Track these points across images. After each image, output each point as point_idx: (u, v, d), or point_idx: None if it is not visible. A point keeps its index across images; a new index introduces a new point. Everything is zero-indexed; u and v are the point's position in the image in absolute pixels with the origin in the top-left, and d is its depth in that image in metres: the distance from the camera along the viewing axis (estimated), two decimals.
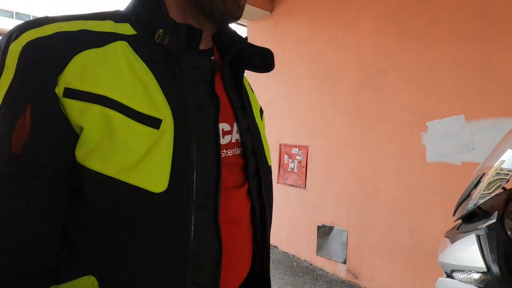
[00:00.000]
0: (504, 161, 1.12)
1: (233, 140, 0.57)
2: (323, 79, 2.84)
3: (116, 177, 0.43)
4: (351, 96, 2.63)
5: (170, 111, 0.46)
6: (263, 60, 0.61)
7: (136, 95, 0.44)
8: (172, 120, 0.46)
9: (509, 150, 1.15)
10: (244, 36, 0.62)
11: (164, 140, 0.45)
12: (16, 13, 32.68)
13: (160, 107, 0.45)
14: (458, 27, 2.04)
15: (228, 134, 0.56)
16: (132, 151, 0.43)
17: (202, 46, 0.56)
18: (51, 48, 0.42)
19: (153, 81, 0.46)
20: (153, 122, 0.44)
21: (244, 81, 0.65)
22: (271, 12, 3.24)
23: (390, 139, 2.39)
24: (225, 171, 0.54)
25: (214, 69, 0.54)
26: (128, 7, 0.52)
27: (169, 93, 0.47)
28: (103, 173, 0.43)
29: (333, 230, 2.76)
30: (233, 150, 0.57)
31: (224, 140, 0.55)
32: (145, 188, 0.43)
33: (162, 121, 0.45)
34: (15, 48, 0.41)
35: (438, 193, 2.14)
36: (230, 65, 0.62)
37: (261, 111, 0.72)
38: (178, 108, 0.47)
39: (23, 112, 0.40)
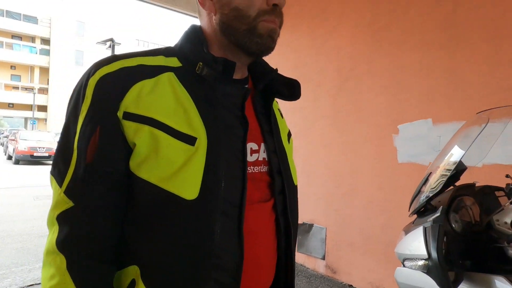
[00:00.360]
0: (450, 159, 1.25)
1: (260, 158, 0.64)
2: (304, 83, 2.95)
3: (157, 185, 0.52)
4: (330, 99, 2.76)
5: (205, 131, 0.55)
6: (290, 90, 0.69)
7: (177, 117, 0.54)
8: (206, 138, 0.54)
9: (456, 146, 1.28)
10: (274, 68, 0.69)
11: (197, 155, 0.53)
12: (6, 11, 32.32)
13: (196, 128, 0.54)
14: (426, 37, 2.18)
15: (256, 152, 0.63)
16: (171, 163, 0.52)
17: (238, 76, 0.64)
18: (115, 81, 0.54)
19: (192, 106, 0.56)
20: (190, 140, 0.53)
21: (274, 107, 0.72)
22: None
23: (366, 140, 2.53)
24: (251, 185, 0.60)
25: (245, 96, 0.63)
26: (176, 44, 0.64)
27: (205, 116, 0.56)
28: (148, 181, 0.52)
29: (313, 227, 2.89)
30: (259, 167, 0.63)
31: (251, 158, 0.62)
32: (179, 195, 0.52)
33: (197, 139, 0.54)
34: (92, 83, 0.53)
35: (409, 191, 2.27)
36: (262, 93, 0.69)
37: (289, 135, 0.78)
38: (212, 129, 0.55)
39: (95, 132, 0.52)
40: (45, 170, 11.00)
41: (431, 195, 1.29)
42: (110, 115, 0.52)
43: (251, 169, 0.61)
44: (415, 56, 2.24)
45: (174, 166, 0.52)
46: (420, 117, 2.23)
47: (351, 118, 2.63)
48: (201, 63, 0.57)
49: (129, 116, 0.52)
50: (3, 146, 18.56)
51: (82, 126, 0.53)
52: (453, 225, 1.24)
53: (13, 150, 12.61)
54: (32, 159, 12.35)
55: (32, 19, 33.31)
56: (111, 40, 13.09)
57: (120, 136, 0.53)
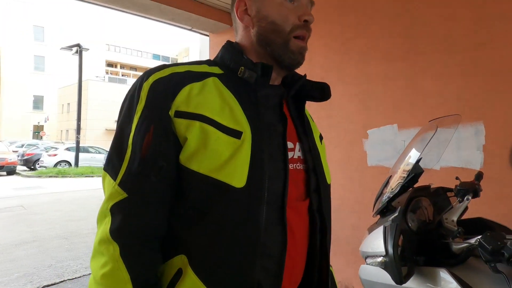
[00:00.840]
0: (408, 163, 1.38)
1: (295, 157, 0.68)
2: None
3: (208, 175, 0.57)
4: None
5: (249, 126, 0.61)
6: (321, 92, 0.75)
7: (224, 114, 0.60)
8: (250, 133, 0.60)
9: (412, 151, 1.40)
10: (303, 74, 0.75)
11: (244, 147, 0.59)
12: None
13: (241, 123, 0.60)
14: (389, 48, 2.34)
15: (291, 151, 0.68)
16: (220, 154, 0.57)
17: (274, 83, 0.71)
18: (167, 85, 0.60)
19: (237, 105, 0.62)
20: (236, 134, 0.59)
21: (305, 112, 0.78)
22: (231, 26, 3.44)
23: (337, 145, 2.65)
24: (290, 182, 0.63)
25: (282, 96, 0.70)
26: (217, 57, 0.71)
27: (248, 113, 0.62)
28: (199, 171, 0.57)
29: None
30: (295, 164, 0.67)
31: (288, 155, 0.66)
32: (229, 183, 0.57)
33: (243, 133, 0.59)
34: (146, 86, 0.60)
35: (376, 193, 2.41)
36: (293, 99, 0.75)
37: (321, 137, 0.84)
38: (255, 124, 0.61)
39: (149, 130, 0.57)
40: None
41: (391, 196, 1.41)
42: (163, 114, 0.58)
43: (289, 165, 0.65)
44: (380, 66, 2.39)
45: (222, 158, 0.57)
46: (387, 122, 2.38)
47: (323, 124, 2.75)
48: (242, 67, 0.65)
49: (180, 114, 0.58)
50: None
51: (137, 125, 0.58)
52: (410, 224, 1.36)
53: None
54: None
55: None
56: (78, 45, 12.67)
57: (172, 133, 0.58)
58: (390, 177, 1.44)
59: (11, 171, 12.45)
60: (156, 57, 40.89)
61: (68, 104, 28.03)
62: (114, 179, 0.58)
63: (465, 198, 1.33)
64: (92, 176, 12.45)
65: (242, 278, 0.57)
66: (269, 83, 0.68)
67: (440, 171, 2.08)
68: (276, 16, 0.65)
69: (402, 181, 1.33)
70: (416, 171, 1.40)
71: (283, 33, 0.65)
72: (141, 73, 0.66)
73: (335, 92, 2.86)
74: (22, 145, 18.09)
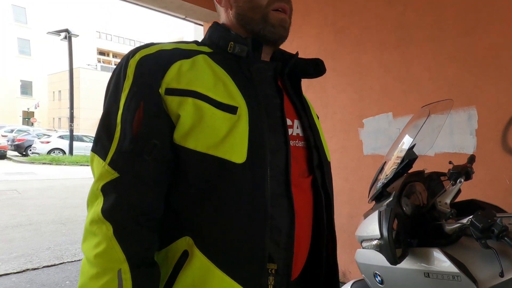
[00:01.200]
0: (401, 148, 1.40)
1: (294, 134, 0.67)
2: None
3: (206, 152, 0.55)
4: None
5: (244, 101, 0.59)
6: (315, 68, 0.73)
7: (218, 90, 0.58)
8: (246, 107, 0.58)
9: (406, 137, 1.42)
10: (294, 53, 0.74)
11: (240, 122, 0.57)
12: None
13: (236, 98, 0.58)
14: (382, 36, 2.34)
15: (290, 127, 0.66)
16: (217, 131, 0.55)
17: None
18: (156, 61, 0.58)
19: (230, 80, 0.60)
20: (231, 109, 0.57)
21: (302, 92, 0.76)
22: None
23: (333, 135, 2.67)
24: (291, 158, 0.62)
25: (276, 69, 0.68)
26: (204, 38, 0.70)
27: (243, 88, 0.60)
28: (196, 149, 0.55)
29: None
30: (294, 141, 0.66)
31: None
32: (229, 159, 0.55)
33: (238, 108, 0.57)
34: (132, 63, 0.57)
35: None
36: (289, 78, 0.73)
37: (317, 116, 0.84)
38: (251, 98, 0.60)
39: (139, 107, 0.55)
40: None
41: (386, 181, 1.43)
42: (153, 91, 0.56)
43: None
44: (374, 54, 2.40)
45: (220, 134, 0.55)
46: (382, 111, 2.39)
47: (318, 113, 2.76)
48: (232, 43, 0.63)
49: (171, 92, 0.56)
50: None
51: (125, 102, 0.56)
52: (404, 209, 1.39)
53: None
54: None
55: None
56: (66, 30, 12.43)
57: (163, 111, 0.56)
58: (385, 163, 1.46)
59: (1, 156, 12.44)
60: None
61: (60, 91, 27.43)
62: (104, 159, 0.55)
63: (458, 181, 1.35)
64: (87, 165, 12.36)
65: (253, 252, 0.55)
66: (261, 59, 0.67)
67: (434, 157, 2.11)
68: None
69: (396, 167, 1.35)
70: (410, 157, 1.42)
71: (260, 8, 0.64)
72: None
73: (329, 82, 2.87)
74: (12, 130, 17.96)
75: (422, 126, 1.32)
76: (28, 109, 29.94)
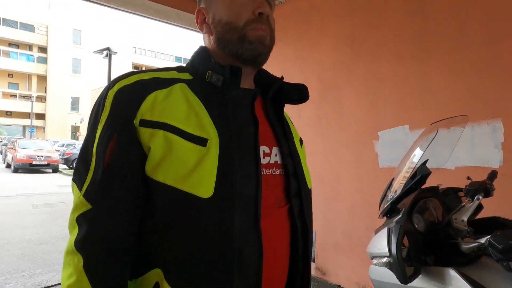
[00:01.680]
0: (410, 165, 1.38)
1: (272, 162, 0.65)
2: None
3: (174, 186, 0.55)
4: (313, 108, 2.89)
5: (216, 132, 0.58)
6: (299, 94, 0.72)
7: (189, 121, 0.58)
8: (218, 138, 0.58)
9: (414, 153, 1.40)
10: (280, 76, 0.73)
11: (210, 155, 0.56)
12: (3, 19, 32.40)
13: (207, 129, 0.58)
14: (399, 48, 2.32)
15: (267, 155, 0.65)
16: (185, 164, 0.55)
17: (245, 86, 0.68)
18: (132, 92, 0.58)
19: (203, 110, 0.60)
20: (201, 141, 0.57)
21: (285, 115, 0.76)
22: None
23: (348, 147, 2.65)
24: (265, 187, 0.61)
25: (254, 96, 0.67)
26: (187, 63, 0.71)
27: (216, 118, 0.60)
28: (165, 182, 0.55)
29: None
30: (271, 170, 0.64)
31: (263, 160, 0.63)
32: (195, 194, 0.55)
33: (208, 140, 0.57)
34: (111, 94, 0.59)
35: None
36: (272, 102, 0.72)
37: (301, 141, 0.81)
38: (223, 129, 0.59)
39: (113, 138, 0.56)
40: (44, 178, 11.18)
41: (395, 196, 1.41)
42: (127, 123, 0.57)
43: (263, 171, 0.62)
44: (390, 66, 2.37)
45: (188, 166, 0.55)
46: (398, 123, 2.35)
47: (333, 125, 2.75)
48: (209, 72, 0.63)
49: (144, 123, 0.57)
50: (1, 154, 18.69)
51: (101, 133, 0.57)
52: (416, 225, 1.36)
53: (12, 158, 12.78)
54: (31, 168, 12.53)
55: (29, 27, 33.57)
56: (108, 49, 13.19)
57: (136, 142, 0.57)
58: (393, 179, 1.44)
59: (55, 169, 13.37)
60: (178, 59, 42.27)
61: None
62: (80, 190, 0.57)
63: (476, 198, 1.31)
64: None
65: (220, 287, 0.55)
66: (240, 86, 0.66)
67: (454, 170, 2.04)
68: (229, 15, 0.64)
69: (405, 182, 1.33)
70: (422, 173, 1.39)
71: (236, 29, 0.63)
72: None
73: (344, 94, 2.88)
74: (63, 145, 19.23)
75: (430, 144, 1.30)
76: (75, 123, 32.38)
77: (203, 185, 0.55)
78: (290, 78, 3.34)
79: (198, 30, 0.71)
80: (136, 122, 0.57)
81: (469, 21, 1.99)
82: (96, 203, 0.55)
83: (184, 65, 0.72)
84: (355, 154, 2.59)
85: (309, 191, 0.72)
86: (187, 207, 0.55)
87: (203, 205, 0.55)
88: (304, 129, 2.96)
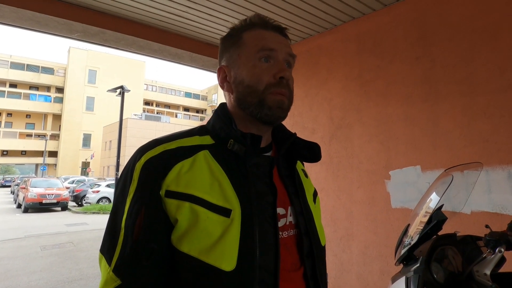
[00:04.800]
0: (426, 211, 1.34)
1: (287, 223, 0.67)
2: (300, 130, 3.13)
3: (198, 258, 0.57)
4: (324, 146, 2.90)
5: (238, 202, 0.60)
6: (311, 152, 0.74)
7: (213, 191, 0.60)
8: (239, 209, 0.60)
9: (431, 197, 1.37)
10: (293, 132, 0.75)
11: (233, 226, 0.58)
12: (27, 65, 34.15)
13: (230, 200, 0.60)
14: (408, 90, 2.36)
15: (283, 217, 0.66)
16: (210, 236, 0.57)
17: (262, 143, 0.70)
18: (159, 163, 0.60)
19: (226, 179, 0.62)
20: (225, 212, 0.59)
21: (298, 168, 0.77)
22: None
23: (359, 185, 2.61)
24: (283, 250, 0.63)
25: (271, 164, 0.69)
26: (209, 122, 0.72)
27: (238, 187, 0.62)
28: (189, 254, 0.57)
29: None
30: (287, 231, 0.66)
31: (280, 223, 0.65)
32: (219, 267, 0.56)
33: (232, 211, 0.59)
34: (138, 167, 0.61)
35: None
36: (284, 157, 0.74)
37: (315, 194, 0.82)
38: (244, 199, 0.61)
39: (141, 211, 0.58)
40: (53, 217, 11.21)
41: (412, 243, 1.36)
42: (154, 195, 0.59)
43: (280, 234, 0.64)
44: (400, 107, 2.40)
45: (213, 238, 0.57)
46: (409, 164, 2.33)
47: (344, 164, 2.74)
48: (232, 140, 0.65)
49: (170, 194, 0.58)
50: (13, 194, 18.81)
51: (129, 206, 0.59)
52: (435, 276, 1.29)
53: (23, 198, 12.87)
54: (41, 207, 12.60)
55: (49, 70, 35.73)
56: (122, 87, 13.67)
57: (162, 213, 0.59)
58: (409, 225, 1.40)
59: (64, 207, 13.40)
60: (188, 95, 43.68)
61: (110, 141, 29.95)
62: (109, 264, 0.58)
63: (497, 250, 1.23)
64: None
65: None
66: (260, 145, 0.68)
67: (470, 215, 1.98)
68: (250, 79, 0.66)
69: (422, 228, 1.29)
70: (438, 218, 1.35)
71: (257, 92, 0.66)
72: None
73: (355, 133, 2.89)
74: (73, 181, 19.34)
75: (445, 192, 1.27)
76: (86, 159, 33.20)
77: (226, 258, 0.57)
78: (300, 116, 3.40)
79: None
80: (162, 192, 0.59)
81: (477, 70, 2.03)
82: (126, 279, 0.57)
83: (204, 123, 0.76)
84: (367, 193, 2.55)
85: (322, 249, 0.72)
86: (210, 279, 0.57)
87: (225, 278, 0.56)
88: (315, 168, 2.95)
